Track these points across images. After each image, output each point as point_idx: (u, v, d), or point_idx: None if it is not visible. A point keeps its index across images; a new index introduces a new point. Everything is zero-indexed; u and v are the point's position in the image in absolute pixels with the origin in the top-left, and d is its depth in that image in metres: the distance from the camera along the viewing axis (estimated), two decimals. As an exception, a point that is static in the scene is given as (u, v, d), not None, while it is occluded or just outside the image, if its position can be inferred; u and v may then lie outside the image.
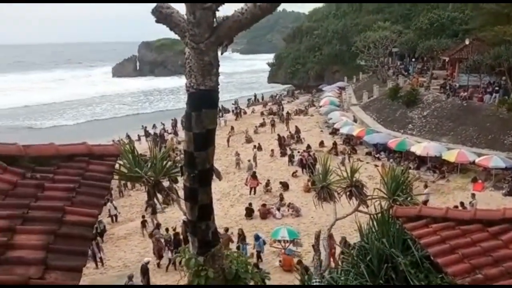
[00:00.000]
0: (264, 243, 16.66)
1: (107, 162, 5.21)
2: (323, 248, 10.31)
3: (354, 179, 9.24)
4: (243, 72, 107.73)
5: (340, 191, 9.54)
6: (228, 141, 34.37)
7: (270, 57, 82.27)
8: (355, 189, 9.14)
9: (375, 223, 6.89)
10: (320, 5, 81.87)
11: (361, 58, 50.84)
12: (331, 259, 12.64)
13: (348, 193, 9.31)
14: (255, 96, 62.84)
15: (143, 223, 20.05)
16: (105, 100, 66.50)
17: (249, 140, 35.82)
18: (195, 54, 3.78)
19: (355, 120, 38.06)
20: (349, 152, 30.07)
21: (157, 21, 3.95)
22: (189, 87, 3.97)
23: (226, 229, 17.02)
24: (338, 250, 13.46)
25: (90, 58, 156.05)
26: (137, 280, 14.55)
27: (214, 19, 3.73)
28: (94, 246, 16.43)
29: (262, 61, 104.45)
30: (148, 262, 15.27)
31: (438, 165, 25.73)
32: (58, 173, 4.56)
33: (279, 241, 17.17)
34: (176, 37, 4.19)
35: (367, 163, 27.11)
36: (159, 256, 16.74)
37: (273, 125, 38.64)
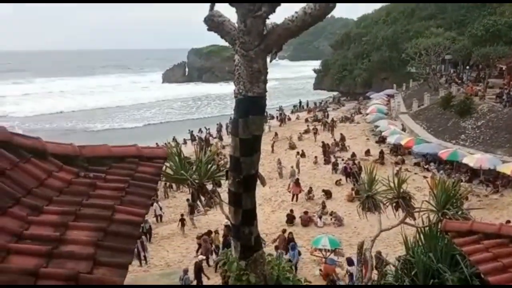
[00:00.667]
0: (300, 254, 16.32)
1: (155, 164, 5.38)
2: (368, 259, 10.05)
3: (401, 190, 8.95)
4: (289, 78, 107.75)
5: (386, 201, 9.27)
6: (272, 147, 34.36)
7: (316, 63, 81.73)
8: (402, 201, 8.84)
9: (422, 236, 6.64)
10: (369, 11, 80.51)
11: (412, 65, 49.31)
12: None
13: (394, 204, 9.03)
14: (300, 102, 62.60)
15: (182, 222, 20.61)
16: (155, 105, 68.73)
17: (292, 147, 35.69)
18: (244, 61, 3.83)
19: (403, 129, 36.88)
20: (398, 162, 29.17)
21: (209, 29, 4.06)
22: (237, 93, 4.04)
23: (283, 231, 17.37)
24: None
25: (142, 64, 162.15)
26: (191, 275, 14.85)
27: (264, 27, 3.77)
28: (139, 245, 16.96)
29: (308, 68, 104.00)
30: (202, 260, 15.62)
31: (492, 179, 24.38)
32: (110, 173, 4.77)
33: (320, 249, 16.91)
34: (224, 44, 4.28)
35: (415, 174, 26.16)
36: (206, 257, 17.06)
37: (315, 133, 38.02)
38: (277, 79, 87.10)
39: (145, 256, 17.62)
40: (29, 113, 57.85)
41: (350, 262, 14.60)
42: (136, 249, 16.30)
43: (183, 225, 20.52)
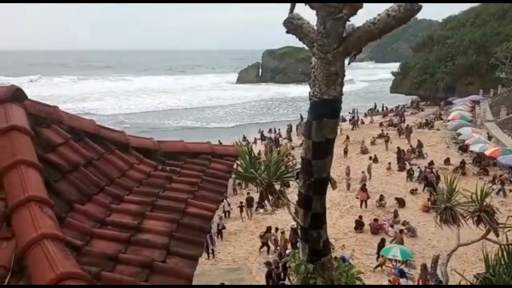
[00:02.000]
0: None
1: (226, 162, 5.54)
2: (441, 275, 9.45)
3: (484, 203, 8.28)
4: (365, 81, 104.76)
5: (466, 214, 8.63)
6: (345, 151, 33.47)
7: (394, 66, 78.45)
8: (485, 215, 8.17)
9: (505, 254, 6.10)
10: (456, 12, 75.51)
11: (501, 70, 45.46)
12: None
13: (475, 218, 8.38)
14: (375, 105, 60.57)
15: (241, 208, 23.19)
16: (229, 104, 70.46)
17: (364, 151, 34.64)
18: (321, 63, 3.80)
19: (489, 138, 34.13)
20: (481, 172, 27.09)
21: (287, 32, 4.09)
22: (312, 96, 4.01)
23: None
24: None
25: (217, 64, 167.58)
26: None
27: (344, 30, 3.71)
28: (208, 238, 17.54)
29: (385, 70, 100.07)
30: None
31: None
32: (184, 168, 4.99)
33: (390, 260, 16.24)
34: (299, 45, 4.27)
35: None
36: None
37: (386, 141, 35.99)
38: (352, 82, 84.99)
39: (213, 250, 18.17)
40: (110, 110, 61.87)
41: (401, 273, 14.14)
42: (205, 242, 16.85)
43: (241, 211, 23.22)
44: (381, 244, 17.17)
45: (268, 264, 15.02)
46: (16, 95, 3.73)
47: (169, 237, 3.44)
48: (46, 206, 2.89)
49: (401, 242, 17.11)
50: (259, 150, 32.36)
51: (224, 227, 20.72)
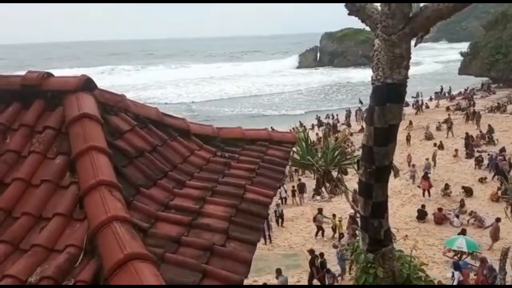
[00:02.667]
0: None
1: (284, 148, 5.55)
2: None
3: None
4: (430, 62, 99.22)
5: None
6: (408, 138, 32.03)
7: (463, 46, 73.46)
8: None
9: None
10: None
11: None
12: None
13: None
14: (441, 88, 57.31)
15: (293, 193, 23.77)
16: (287, 91, 69.95)
17: (429, 137, 33.03)
18: (385, 46, 3.66)
19: None
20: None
21: (349, 14, 3.98)
22: (375, 80, 3.88)
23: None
24: None
25: (275, 49, 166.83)
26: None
27: (410, 9, 3.54)
28: (265, 224, 17.78)
29: (453, 51, 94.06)
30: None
31: None
32: (242, 154, 5.08)
33: (454, 251, 15.52)
34: (359, 26, 4.14)
35: None
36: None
37: (449, 127, 33.70)
38: (417, 63, 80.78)
39: (269, 235, 18.41)
40: (171, 99, 63.75)
41: (456, 266, 13.29)
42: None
43: (293, 195, 23.85)
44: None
45: (311, 252, 14.98)
46: (87, 85, 3.98)
47: (228, 221, 3.54)
48: (115, 190, 3.09)
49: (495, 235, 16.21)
50: (316, 136, 32.09)
51: (282, 214, 20.80)
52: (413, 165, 25.24)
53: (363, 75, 79.31)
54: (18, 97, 3.90)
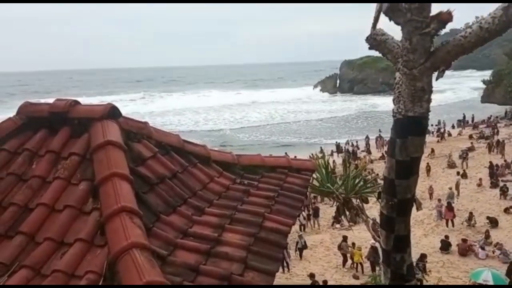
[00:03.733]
0: None
1: (303, 176, 5.53)
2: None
3: None
4: (452, 90, 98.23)
5: None
6: (428, 170, 30.90)
7: (486, 74, 72.55)
8: None
9: None
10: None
11: None
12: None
13: None
14: (464, 116, 56.41)
15: (308, 217, 23.38)
16: (306, 119, 69.91)
17: (451, 165, 32.33)
18: (407, 79, 3.65)
19: None
20: None
21: (370, 48, 4.01)
22: (396, 113, 3.86)
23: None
24: None
25: (296, 77, 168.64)
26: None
27: (432, 44, 3.55)
28: (284, 252, 17.49)
29: (474, 79, 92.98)
30: None
31: None
32: (262, 181, 5.08)
33: (480, 284, 14.89)
34: (379, 54, 4.15)
35: None
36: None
37: (464, 157, 32.43)
38: (439, 91, 79.98)
39: (287, 264, 18.07)
40: (192, 125, 64.54)
41: None
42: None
43: (308, 219, 23.48)
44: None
45: (311, 276, 14.73)
46: (112, 112, 4.09)
47: (246, 250, 3.51)
48: (136, 216, 3.12)
49: None
50: (335, 163, 31.85)
51: (305, 246, 20.06)
52: (439, 200, 23.90)
53: (384, 102, 79.04)
54: (46, 124, 4.03)
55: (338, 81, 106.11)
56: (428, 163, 31.49)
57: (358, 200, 10.66)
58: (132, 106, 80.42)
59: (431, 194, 25.33)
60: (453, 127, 51.03)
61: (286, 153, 33.36)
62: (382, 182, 4.29)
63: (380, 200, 4.41)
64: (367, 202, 11.17)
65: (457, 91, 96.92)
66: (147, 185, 3.77)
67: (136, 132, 4.24)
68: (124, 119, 4.21)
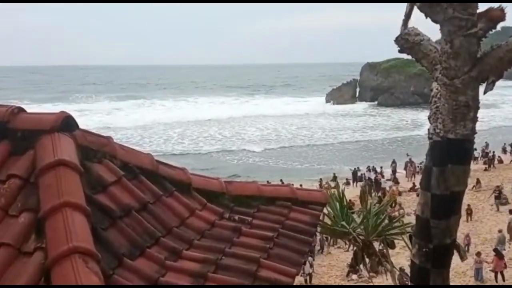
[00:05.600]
0: None
1: (311, 211, 5.52)
2: None
3: None
4: (500, 104, 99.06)
5: None
6: (469, 213, 29.65)
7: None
8: None
9: None
10: None
11: None
12: None
13: None
14: (517, 139, 56.86)
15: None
16: (319, 135, 69.89)
17: (503, 201, 32.39)
18: (446, 92, 3.67)
19: None
20: None
21: (400, 51, 4.06)
22: (433, 133, 3.89)
23: None
24: None
25: (305, 82, 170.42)
26: None
27: (479, 48, 3.59)
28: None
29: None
30: None
31: None
32: (257, 217, 5.06)
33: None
34: (409, 56, 4.20)
35: None
36: None
37: (497, 196, 31.92)
38: (486, 105, 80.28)
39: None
40: (165, 145, 64.28)
41: None
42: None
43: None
44: None
45: None
46: (66, 124, 4.09)
47: (236, 308, 3.48)
48: (92, 260, 3.08)
49: None
50: (353, 195, 31.80)
51: None
52: (478, 254, 22.27)
53: (416, 117, 79.46)
54: (-20, 136, 4.01)
55: (358, 89, 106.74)
56: (469, 205, 29.77)
57: (381, 244, 10.62)
58: (92, 117, 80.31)
59: (467, 245, 24.03)
60: (504, 151, 51.32)
61: (281, 180, 33.36)
62: (413, 222, 4.28)
63: (411, 245, 4.39)
64: (393, 247, 11.14)
65: (508, 106, 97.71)
66: (109, 218, 3.74)
67: (96, 150, 4.22)
68: (81, 133, 4.20)
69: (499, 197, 31.86)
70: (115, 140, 4.59)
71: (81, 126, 4.28)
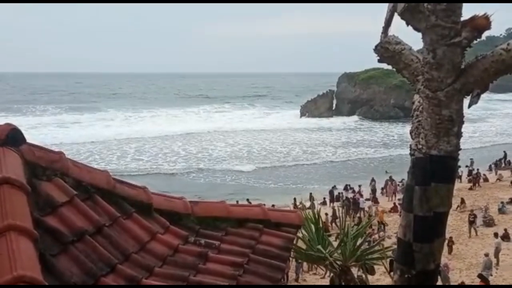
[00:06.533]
0: None
1: (285, 234, 5.53)
2: None
3: None
4: (485, 118, 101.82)
5: None
6: (450, 244, 29.79)
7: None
8: None
9: None
10: None
11: None
12: None
13: None
14: (505, 155, 58.29)
15: None
16: (291, 150, 70.11)
17: (489, 223, 33.08)
18: (429, 105, 3.74)
19: None
20: None
21: (380, 60, 4.12)
22: (415, 149, 3.95)
23: None
24: None
25: (274, 93, 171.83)
26: None
27: (463, 59, 3.67)
28: None
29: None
30: None
31: None
32: (226, 241, 5.04)
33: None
34: (389, 66, 4.27)
35: None
36: None
37: (505, 212, 31.90)
38: (471, 120, 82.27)
39: None
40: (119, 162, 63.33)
41: None
42: None
43: None
44: None
45: None
46: (12, 137, 4.01)
47: None
48: (40, 291, 3.01)
49: None
50: (328, 216, 32.00)
51: None
52: (447, 268, 22.80)
53: (396, 132, 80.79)
54: None
55: (334, 102, 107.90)
56: (450, 237, 29.71)
57: (360, 270, 10.69)
58: (41, 130, 78.95)
59: (447, 268, 24.04)
60: (490, 169, 52.56)
61: (248, 200, 33.31)
62: (395, 245, 4.33)
63: (392, 271, 4.44)
64: (373, 273, 11.22)
65: (494, 120, 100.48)
66: (59, 244, 3.66)
67: (45, 167, 4.15)
68: (28, 147, 4.12)
69: (474, 221, 31.89)
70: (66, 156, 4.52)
71: (29, 140, 4.21)
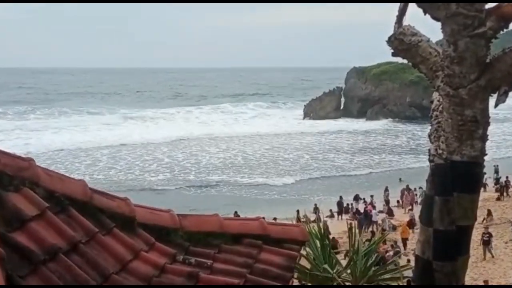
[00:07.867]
0: None
1: (287, 252, 5.51)
2: None
3: None
4: (507, 118, 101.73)
5: None
6: (484, 253, 29.99)
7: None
8: None
9: None
10: None
11: None
12: None
13: None
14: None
15: None
16: (294, 157, 69.88)
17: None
18: (450, 104, 3.72)
19: None
20: None
21: (394, 54, 4.11)
22: (435, 155, 3.94)
23: None
24: None
25: (279, 90, 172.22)
26: None
27: (488, 52, 3.66)
28: None
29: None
30: None
31: None
32: (219, 259, 5.03)
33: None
34: (404, 60, 4.28)
35: None
36: None
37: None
38: (496, 120, 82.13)
39: None
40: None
41: None
42: None
43: None
44: None
45: None
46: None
47: None
48: (6, 317, 3.00)
49: None
50: (338, 230, 31.93)
51: None
52: None
53: (413, 134, 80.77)
54: None
55: (342, 100, 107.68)
56: (485, 230, 30.75)
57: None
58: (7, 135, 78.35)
59: None
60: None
61: (236, 212, 33.25)
62: (412, 263, 4.31)
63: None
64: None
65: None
66: (28, 263, 3.65)
67: (13, 175, 4.14)
68: (-6, 153, 4.13)
69: (489, 241, 30.59)
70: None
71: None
